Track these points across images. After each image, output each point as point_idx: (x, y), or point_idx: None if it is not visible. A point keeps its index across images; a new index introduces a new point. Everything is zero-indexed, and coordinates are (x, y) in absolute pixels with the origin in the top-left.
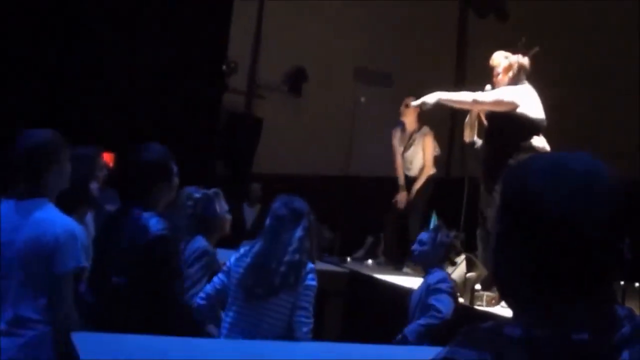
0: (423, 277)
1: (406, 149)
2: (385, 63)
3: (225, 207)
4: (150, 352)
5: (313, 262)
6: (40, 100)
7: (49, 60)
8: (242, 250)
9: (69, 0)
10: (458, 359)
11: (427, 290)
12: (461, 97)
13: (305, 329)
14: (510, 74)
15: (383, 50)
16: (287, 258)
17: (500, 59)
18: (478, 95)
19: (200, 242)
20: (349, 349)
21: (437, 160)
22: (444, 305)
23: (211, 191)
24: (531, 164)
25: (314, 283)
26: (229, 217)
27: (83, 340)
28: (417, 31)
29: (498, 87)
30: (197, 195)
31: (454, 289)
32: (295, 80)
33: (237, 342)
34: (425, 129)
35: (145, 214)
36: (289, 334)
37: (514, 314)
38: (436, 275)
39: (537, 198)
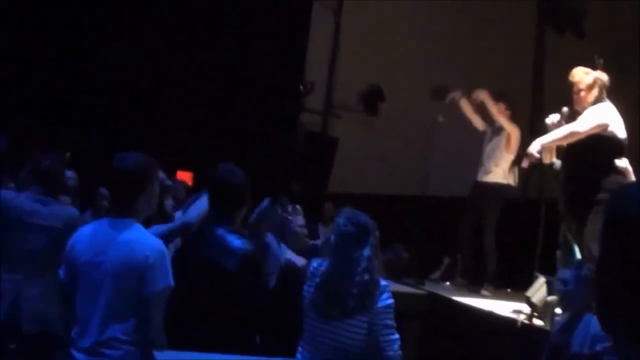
0: (573, 318)
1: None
2: (462, 81)
3: (300, 222)
4: None
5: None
6: (120, 119)
7: (133, 85)
8: (311, 268)
9: (154, 30)
10: None
11: (593, 341)
12: (561, 133)
13: (395, 347)
14: (595, 91)
15: (460, 69)
16: (357, 279)
17: (582, 75)
18: (575, 126)
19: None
20: None
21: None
22: None
23: (289, 207)
24: (635, 190)
25: (391, 301)
26: (303, 232)
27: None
28: (494, 48)
29: (579, 104)
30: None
31: None
32: (372, 100)
33: None
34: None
35: (230, 236)
36: (369, 354)
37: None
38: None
39: None
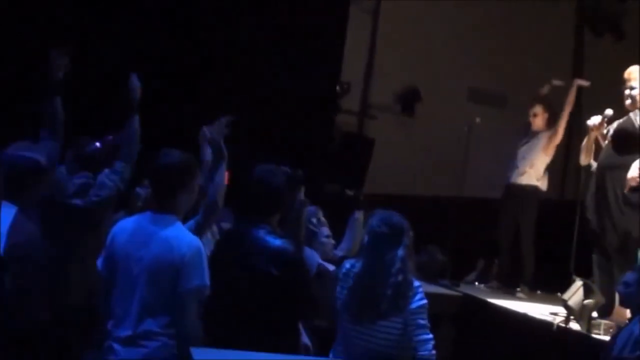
0: (628, 320)
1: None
2: (499, 83)
3: (325, 232)
4: None
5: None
6: (156, 115)
7: (164, 80)
8: (344, 269)
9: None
10: None
11: (635, 342)
12: None
13: (429, 346)
14: None
15: (497, 70)
16: (391, 280)
17: (637, 74)
18: None
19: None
20: None
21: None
22: None
23: (314, 219)
24: None
25: (425, 302)
26: (330, 242)
27: (202, 356)
28: (532, 50)
29: (633, 104)
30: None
31: None
32: (408, 100)
33: None
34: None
35: (270, 237)
36: (401, 354)
37: None
38: None
39: None
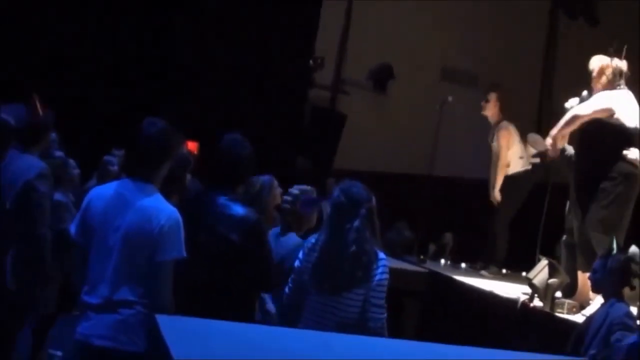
0: (602, 304)
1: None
2: (472, 63)
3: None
4: (232, 337)
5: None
6: (125, 88)
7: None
8: (308, 243)
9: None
10: None
11: (610, 325)
12: (565, 119)
13: (379, 324)
14: (605, 78)
15: (471, 50)
16: (348, 251)
17: (595, 62)
18: (576, 110)
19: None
20: (430, 348)
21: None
22: None
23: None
24: None
25: (385, 277)
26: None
27: (167, 323)
28: (505, 31)
29: (595, 92)
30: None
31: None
32: (381, 77)
33: (322, 334)
34: (504, 123)
35: (232, 204)
36: (360, 327)
37: None
38: (618, 308)
39: None
